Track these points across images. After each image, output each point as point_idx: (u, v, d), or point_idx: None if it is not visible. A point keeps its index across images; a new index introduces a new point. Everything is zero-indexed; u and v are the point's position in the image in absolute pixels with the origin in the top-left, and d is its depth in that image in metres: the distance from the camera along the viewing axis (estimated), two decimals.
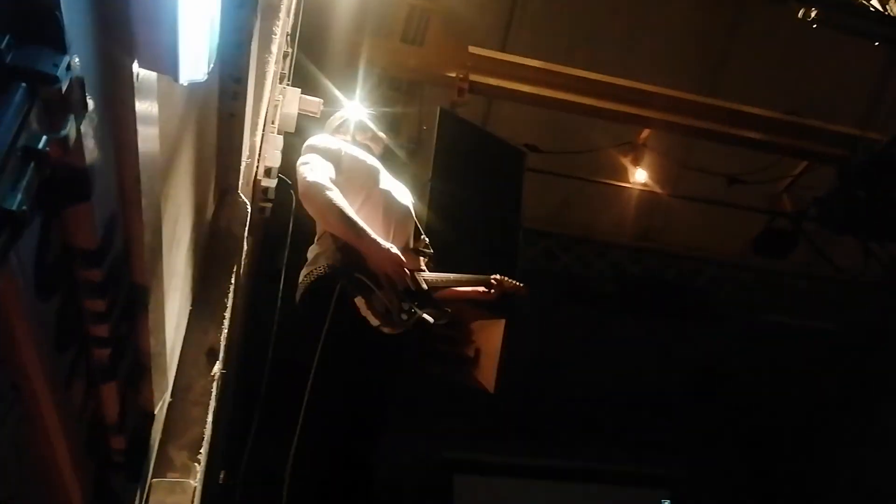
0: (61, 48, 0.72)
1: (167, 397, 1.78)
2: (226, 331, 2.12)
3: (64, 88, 0.73)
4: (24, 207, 0.70)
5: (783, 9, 3.86)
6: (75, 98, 0.77)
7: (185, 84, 0.96)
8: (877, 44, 3.89)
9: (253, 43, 1.79)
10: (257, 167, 2.64)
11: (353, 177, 2.54)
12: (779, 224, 5.37)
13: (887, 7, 3.64)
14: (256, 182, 2.66)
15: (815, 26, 3.57)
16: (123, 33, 0.88)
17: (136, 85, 0.92)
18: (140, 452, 1.55)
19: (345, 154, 2.58)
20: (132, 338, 1.29)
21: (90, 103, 0.81)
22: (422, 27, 4.30)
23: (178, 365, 1.92)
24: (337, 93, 3.24)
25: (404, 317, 2.36)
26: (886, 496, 6.39)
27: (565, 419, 6.32)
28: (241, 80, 1.81)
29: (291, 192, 2.77)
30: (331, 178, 2.44)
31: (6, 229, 0.69)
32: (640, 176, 5.35)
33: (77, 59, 0.75)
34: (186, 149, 1.54)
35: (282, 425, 2.30)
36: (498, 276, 2.77)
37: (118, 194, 1.03)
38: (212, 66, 1.03)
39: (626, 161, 5.28)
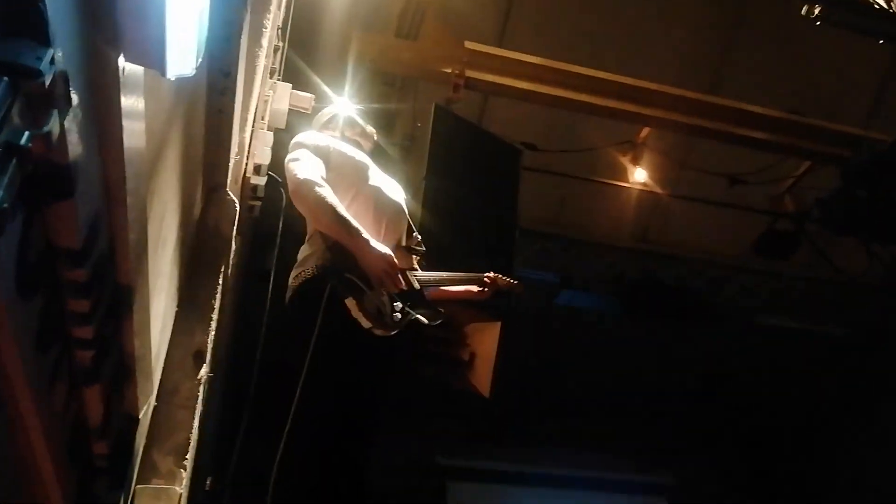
0: (45, 41, 0.72)
1: (152, 401, 1.77)
2: (213, 333, 2.12)
3: (47, 83, 0.73)
4: (6, 205, 0.70)
5: (787, 6, 3.87)
6: (59, 93, 0.77)
7: (173, 79, 0.96)
8: (881, 42, 3.91)
9: (243, 37, 1.79)
10: (246, 164, 2.64)
11: (343, 173, 2.54)
12: (781, 225, 5.39)
13: (892, 5, 3.66)
14: (245, 180, 2.66)
15: (818, 24, 3.59)
16: (109, 26, 0.88)
17: (121, 79, 0.92)
18: (124, 457, 1.55)
19: (333, 150, 2.59)
20: (116, 339, 1.29)
21: (74, 98, 0.81)
22: (416, 21, 4.30)
23: (164, 367, 1.91)
24: (325, 88, 3.23)
25: (397, 318, 2.37)
26: (887, 496, 6.44)
27: (562, 424, 6.34)
28: (231, 75, 1.81)
29: (281, 189, 2.77)
30: (322, 176, 2.45)
31: None
32: (639, 175, 5.37)
33: (61, 53, 0.75)
34: (173, 145, 1.54)
35: (271, 430, 2.30)
36: (492, 274, 2.79)
37: (103, 192, 1.03)
38: (200, 60, 1.03)
39: (625, 160, 5.30)
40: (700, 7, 5.35)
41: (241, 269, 3.57)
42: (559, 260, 6.05)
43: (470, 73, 4.32)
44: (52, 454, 1.14)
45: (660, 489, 6.62)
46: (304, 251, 2.51)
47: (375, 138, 2.94)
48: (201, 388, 1.98)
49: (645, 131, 5.10)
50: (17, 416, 1.02)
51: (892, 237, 4.77)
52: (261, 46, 2.26)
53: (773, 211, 5.44)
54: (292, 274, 2.49)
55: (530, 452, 6.37)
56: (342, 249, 2.36)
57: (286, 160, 2.52)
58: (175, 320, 1.99)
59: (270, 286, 2.78)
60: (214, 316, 2.10)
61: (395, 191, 2.73)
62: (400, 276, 2.42)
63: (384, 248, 2.39)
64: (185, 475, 1.87)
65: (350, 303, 2.28)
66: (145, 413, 1.67)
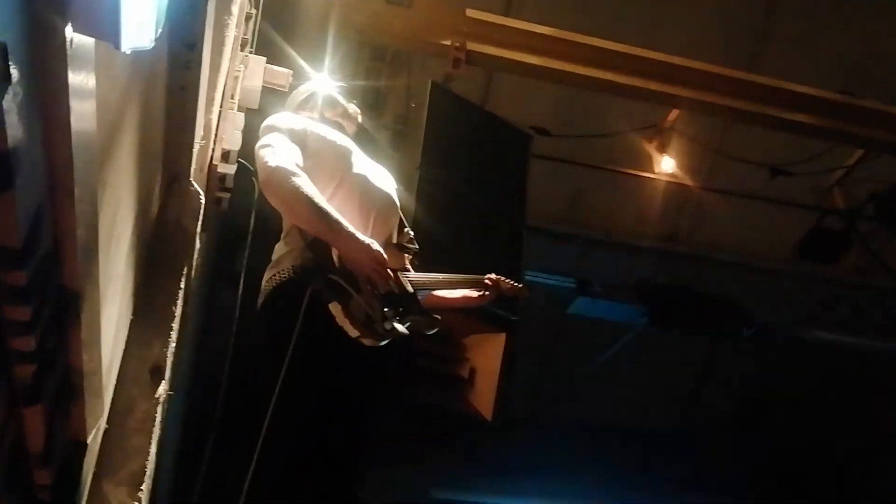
0: None
1: (103, 423, 1.78)
2: (173, 344, 2.12)
3: None
4: None
5: None
6: None
7: (128, 52, 0.96)
8: None
9: (209, 3, 1.80)
10: (213, 150, 2.64)
11: (322, 160, 2.54)
12: (829, 223, 5.41)
13: None
14: (212, 168, 2.66)
15: None
16: None
17: (69, 53, 0.92)
18: (69, 488, 1.55)
19: (311, 134, 2.58)
20: (62, 352, 1.29)
21: (14, 74, 0.81)
22: None
23: (117, 385, 1.91)
24: (303, 63, 3.23)
25: (388, 326, 2.37)
26: None
27: (577, 453, 6.35)
28: (195, 47, 1.81)
29: (253, 179, 2.78)
30: (297, 164, 2.45)
31: None
32: (666, 165, 5.38)
33: None
34: (129, 129, 1.54)
35: (239, 457, 2.31)
36: (493, 276, 2.80)
37: (47, 182, 1.03)
38: (160, 30, 1.04)
39: (650, 147, 5.31)
40: None
41: (206, 271, 3.58)
42: (574, 262, 6.07)
43: (472, 46, 4.32)
44: None
45: None
46: (279, 250, 2.51)
47: (360, 120, 2.94)
48: (160, 409, 1.98)
49: (673, 114, 5.12)
50: None
51: None
52: (230, 14, 2.26)
53: (820, 207, 5.46)
54: (265, 276, 2.49)
55: (540, 484, 6.38)
56: (324, 247, 2.36)
57: (256, 146, 2.52)
58: (130, 330, 1.99)
59: (240, 290, 2.79)
60: (175, 325, 2.10)
61: (385, 180, 2.74)
62: (392, 276, 2.43)
63: (373, 244, 2.39)
64: None
65: (335, 308, 2.28)
66: (95, 437, 1.67)
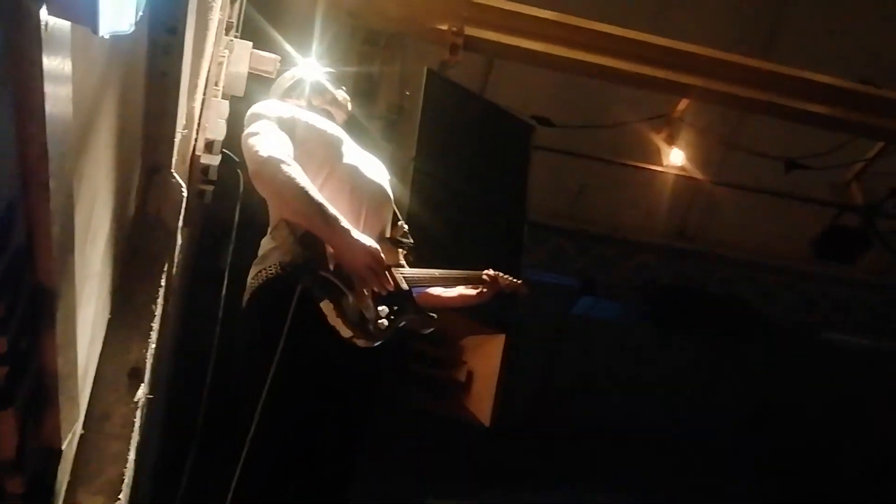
0: None
1: (78, 429, 1.78)
2: (153, 346, 2.12)
3: None
4: None
5: None
6: None
7: (107, 37, 0.96)
8: None
9: None
10: (196, 140, 2.64)
11: (311, 150, 2.54)
12: (847, 220, 5.42)
13: None
14: (194, 159, 2.66)
15: None
16: None
17: (44, 37, 0.92)
18: (43, 498, 1.55)
19: (300, 122, 2.58)
20: (35, 354, 1.29)
21: None
22: None
23: (93, 389, 1.92)
24: (290, 48, 3.23)
25: (383, 325, 2.37)
26: None
27: (579, 458, 6.37)
28: (177, 31, 1.81)
29: (238, 171, 2.77)
30: (289, 154, 2.45)
31: None
32: (675, 158, 5.39)
33: None
34: (107, 117, 1.54)
35: (223, 465, 2.31)
36: (491, 272, 2.80)
37: (19, 173, 1.03)
38: (140, 13, 1.03)
39: (658, 139, 5.32)
40: None
41: (188, 268, 3.57)
42: (578, 260, 6.08)
43: (470, 31, 4.32)
44: None
45: None
46: (266, 244, 2.51)
47: (350, 108, 2.94)
48: (138, 414, 1.98)
49: (683, 104, 5.12)
50: None
51: None
52: None
53: (837, 203, 5.47)
54: (251, 272, 2.49)
55: (540, 493, 6.40)
56: (315, 242, 2.36)
57: (244, 135, 2.52)
58: (107, 331, 1.99)
59: (224, 288, 2.79)
60: (155, 325, 2.10)
61: (377, 171, 2.74)
62: (388, 273, 2.43)
63: (368, 240, 2.39)
64: None
65: (326, 307, 2.28)
66: (70, 443, 1.67)
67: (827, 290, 6.41)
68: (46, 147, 1.02)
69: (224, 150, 2.78)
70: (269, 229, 2.55)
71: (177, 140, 2.16)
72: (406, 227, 2.75)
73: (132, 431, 1.94)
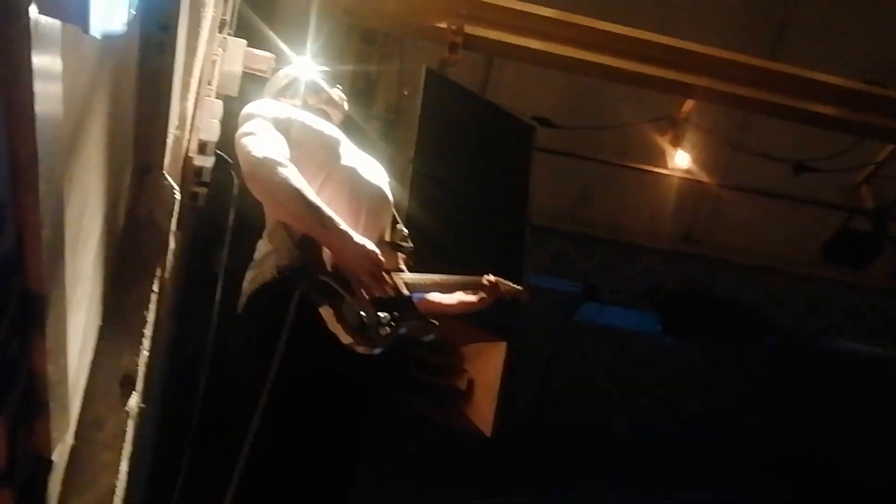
0: None
1: (69, 438, 1.77)
2: (146, 352, 2.11)
3: None
4: None
5: None
6: None
7: (98, 36, 0.96)
8: None
9: None
10: (189, 141, 2.64)
11: (308, 151, 2.53)
12: (857, 224, 5.42)
13: None
14: (187, 160, 2.66)
15: None
16: None
17: (33, 35, 0.92)
18: None
19: (296, 122, 2.58)
20: (24, 361, 1.29)
21: None
22: None
23: (84, 397, 1.91)
24: (284, 46, 3.23)
25: (384, 331, 2.37)
26: None
27: (583, 467, 6.36)
28: (169, 28, 1.81)
29: (233, 172, 2.77)
30: (285, 155, 2.44)
31: None
32: (681, 160, 5.38)
33: None
34: (98, 117, 1.54)
35: (217, 474, 2.30)
36: (492, 277, 2.80)
37: (8, 175, 1.03)
38: (132, 11, 1.03)
39: (663, 141, 5.31)
40: None
41: (181, 273, 3.57)
42: (581, 265, 6.07)
43: (470, 29, 4.32)
44: None
45: None
46: (262, 248, 2.51)
47: (346, 107, 2.93)
48: (131, 422, 1.98)
49: (689, 105, 5.12)
50: None
51: None
52: None
53: (847, 206, 5.46)
54: (247, 277, 2.48)
55: (540, 497, 6.39)
56: (313, 245, 2.36)
57: (237, 135, 2.52)
58: (98, 337, 1.99)
59: (219, 293, 2.79)
60: (147, 331, 2.10)
61: (376, 173, 2.73)
62: (388, 276, 2.43)
63: (368, 243, 2.39)
64: None
65: (325, 312, 2.27)
66: (61, 454, 1.67)
67: (836, 296, 6.40)
68: (36, 148, 1.02)
69: (218, 151, 2.78)
70: (266, 233, 2.55)
71: (169, 141, 2.16)
72: (405, 230, 2.74)
73: (124, 441, 1.93)
